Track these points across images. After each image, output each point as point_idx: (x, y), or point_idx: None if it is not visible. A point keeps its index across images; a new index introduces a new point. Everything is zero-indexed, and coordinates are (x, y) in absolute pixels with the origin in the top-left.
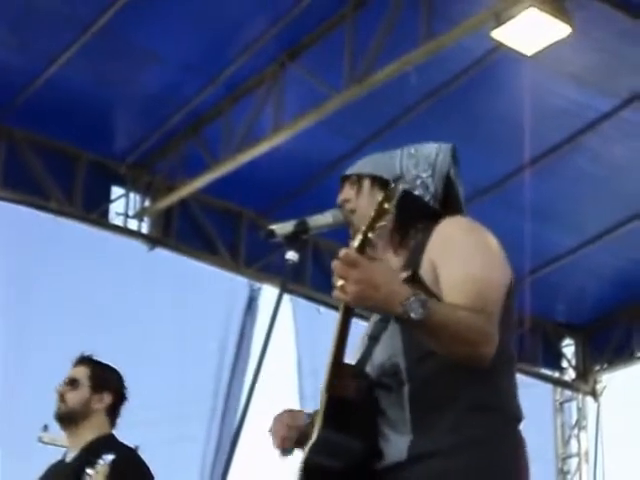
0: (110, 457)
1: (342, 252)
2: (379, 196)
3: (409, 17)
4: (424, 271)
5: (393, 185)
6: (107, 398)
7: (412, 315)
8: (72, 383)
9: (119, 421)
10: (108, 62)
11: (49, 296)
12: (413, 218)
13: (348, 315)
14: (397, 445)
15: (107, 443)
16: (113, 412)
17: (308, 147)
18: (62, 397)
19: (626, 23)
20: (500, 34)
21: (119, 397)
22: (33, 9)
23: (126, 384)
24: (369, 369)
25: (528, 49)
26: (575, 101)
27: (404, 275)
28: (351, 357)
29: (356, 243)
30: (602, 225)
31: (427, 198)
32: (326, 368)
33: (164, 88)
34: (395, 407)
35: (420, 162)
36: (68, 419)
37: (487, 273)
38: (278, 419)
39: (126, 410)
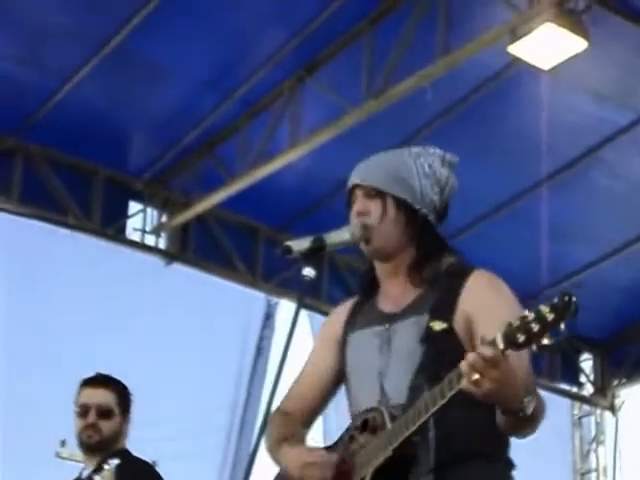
0: (115, 462)
1: (487, 351)
2: (546, 310)
3: (426, 32)
4: (457, 321)
5: (573, 304)
6: (129, 420)
7: (527, 412)
8: (104, 412)
9: (136, 436)
10: (124, 79)
11: (66, 311)
12: (432, 251)
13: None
14: None
15: (126, 459)
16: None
17: (325, 162)
18: (95, 427)
19: None
20: (517, 49)
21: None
22: (49, 27)
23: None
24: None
25: (545, 64)
26: (592, 115)
27: (440, 325)
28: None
29: (501, 345)
30: (620, 239)
31: (434, 221)
32: (390, 426)
33: (180, 104)
34: (421, 450)
35: (434, 184)
36: (100, 447)
37: None
38: (313, 466)
39: (143, 425)
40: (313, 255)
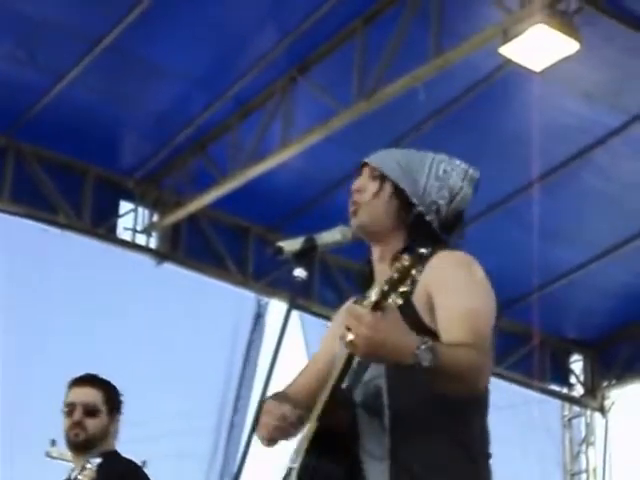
0: (97, 461)
1: (351, 307)
2: (404, 259)
3: (418, 33)
4: (417, 297)
5: (425, 252)
6: (118, 419)
7: (423, 363)
8: (90, 410)
9: (124, 436)
10: (116, 78)
11: (57, 310)
12: (420, 243)
13: (352, 357)
14: (375, 473)
15: (112, 458)
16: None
17: (317, 162)
18: (80, 425)
19: (635, 39)
20: (508, 50)
21: (121, 413)
22: (42, 25)
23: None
24: (358, 389)
25: (536, 65)
26: (584, 117)
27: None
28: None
29: (373, 297)
30: (611, 241)
31: (435, 224)
32: (320, 397)
33: (172, 103)
34: (374, 431)
35: (443, 189)
36: (87, 446)
37: (482, 307)
38: (268, 410)
39: (132, 425)
40: (304, 256)
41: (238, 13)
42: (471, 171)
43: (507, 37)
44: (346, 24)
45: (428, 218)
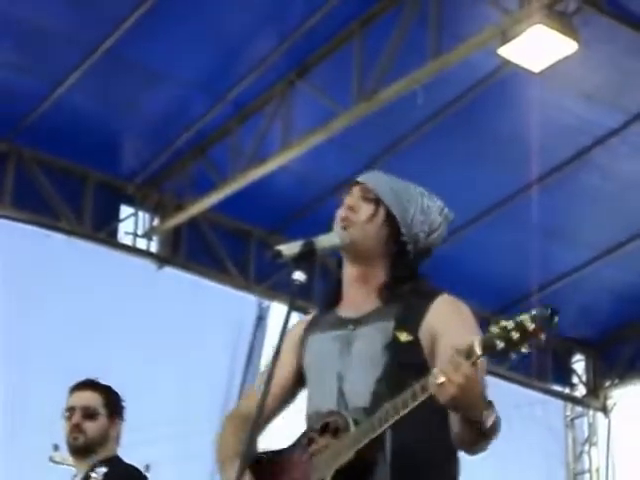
0: (103, 470)
1: (453, 355)
2: (527, 321)
3: (417, 34)
4: (422, 336)
5: (555, 319)
6: (119, 423)
7: (488, 424)
8: (90, 413)
9: (126, 440)
10: (115, 83)
11: (58, 315)
12: (402, 276)
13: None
14: None
15: (110, 462)
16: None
17: (317, 165)
18: (79, 428)
19: (634, 39)
20: (507, 51)
21: (123, 419)
22: (41, 32)
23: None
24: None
25: (535, 66)
26: (583, 117)
27: (406, 337)
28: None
29: (479, 351)
30: (611, 241)
31: (412, 255)
32: (366, 434)
33: (171, 107)
34: (377, 460)
35: (425, 223)
36: (87, 450)
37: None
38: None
39: (134, 428)
40: (303, 259)
41: (236, 17)
42: (446, 210)
43: (506, 38)
44: (344, 26)
45: (408, 248)
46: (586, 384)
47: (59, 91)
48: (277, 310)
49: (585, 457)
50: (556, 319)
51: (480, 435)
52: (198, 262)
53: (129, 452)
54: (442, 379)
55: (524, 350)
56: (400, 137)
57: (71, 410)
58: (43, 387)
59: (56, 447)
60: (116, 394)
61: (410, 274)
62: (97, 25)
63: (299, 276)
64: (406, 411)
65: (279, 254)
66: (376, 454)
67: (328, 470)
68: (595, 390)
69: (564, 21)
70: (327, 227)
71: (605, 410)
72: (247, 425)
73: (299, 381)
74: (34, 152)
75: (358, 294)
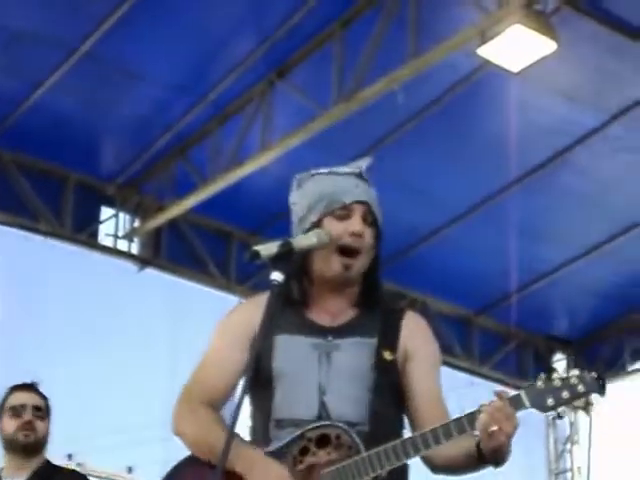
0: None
1: (503, 406)
2: (580, 386)
3: (396, 35)
4: (399, 355)
5: (604, 390)
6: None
7: (504, 461)
8: (40, 414)
9: (107, 443)
10: (95, 84)
11: (38, 317)
12: (377, 285)
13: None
14: None
15: (54, 468)
16: None
17: (297, 165)
18: (31, 425)
19: (612, 38)
20: (486, 51)
21: None
22: (19, 33)
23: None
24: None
25: (514, 66)
26: (563, 117)
27: (390, 356)
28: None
29: (528, 405)
30: (591, 240)
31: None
32: (362, 457)
33: (151, 109)
34: None
35: None
36: (36, 449)
37: None
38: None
39: (119, 430)
40: (281, 259)
41: (215, 18)
42: None
43: (485, 38)
44: (324, 27)
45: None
46: None
47: (38, 92)
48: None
49: (567, 456)
50: (604, 389)
51: (482, 469)
52: (179, 263)
53: (114, 455)
54: (494, 428)
55: (575, 405)
56: (380, 138)
57: (20, 407)
58: None
59: None
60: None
61: (381, 286)
62: (76, 26)
63: (277, 276)
64: (438, 446)
65: (257, 254)
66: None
67: None
68: None
69: (543, 21)
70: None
71: (586, 409)
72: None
73: (240, 377)
74: (13, 154)
75: (332, 302)
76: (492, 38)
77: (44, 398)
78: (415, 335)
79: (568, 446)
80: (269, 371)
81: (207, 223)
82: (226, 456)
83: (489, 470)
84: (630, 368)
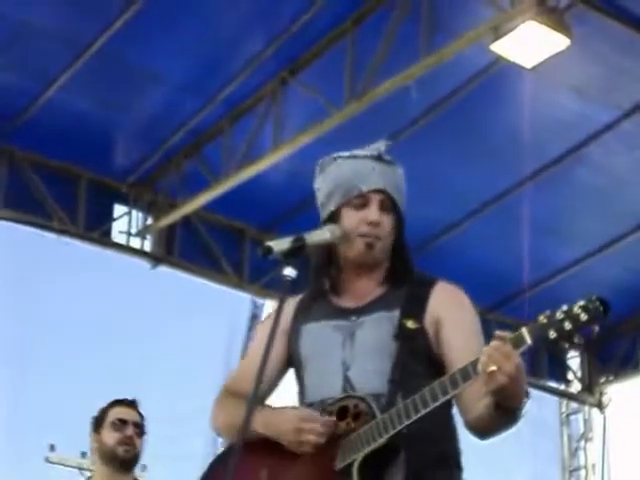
0: None
1: (501, 345)
2: (581, 312)
3: (409, 31)
4: (427, 323)
5: (606, 311)
6: None
7: (523, 411)
8: (139, 431)
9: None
10: (107, 83)
11: (52, 314)
12: (406, 265)
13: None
14: None
15: None
16: None
17: (310, 163)
18: (132, 440)
19: (625, 34)
20: (499, 47)
21: None
22: (32, 32)
23: None
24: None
25: (528, 61)
26: (576, 113)
27: (413, 324)
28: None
29: (529, 341)
30: (605, 237)
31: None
32: (379, 418)
33: (164, 107)
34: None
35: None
36: (132, 464)
37: None
38: (320, 421)
39: None
40: (294, 255)
41: (227, 17)
42: None
43: (498, 34)
44: (336, 24)
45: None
46: (581, 380)
47: (51, 91)
48: (271, 308)
49: (580, 453)
50: (607, 309)
51: (509, 421)
52: (192, 261)
53: None
54: (493, 368)
55: (576, 340)
56: (393, 134)
57: (122, 421)
58: (41, 387)
59: (52, 447)
60: None
61: (411, 264)
62: (89, 25)
63: (290, 272)
64: (451, 395)
65: (269, 250)
66: (399, 441)
67: (357, 453)
68: (590, 386)
69: (556, 17)
70: (320, 225)
71: (600, 406)
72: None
73: (285, 368)
74: (27, 152)
75: (360, 285)
76: (505, 34)
77: (142, 416)
78: (446, 303)
79: (582, 443)
80: (298, 359)
81: (220, 221)
82: (247, 426)
83: (502, 466)
84: None
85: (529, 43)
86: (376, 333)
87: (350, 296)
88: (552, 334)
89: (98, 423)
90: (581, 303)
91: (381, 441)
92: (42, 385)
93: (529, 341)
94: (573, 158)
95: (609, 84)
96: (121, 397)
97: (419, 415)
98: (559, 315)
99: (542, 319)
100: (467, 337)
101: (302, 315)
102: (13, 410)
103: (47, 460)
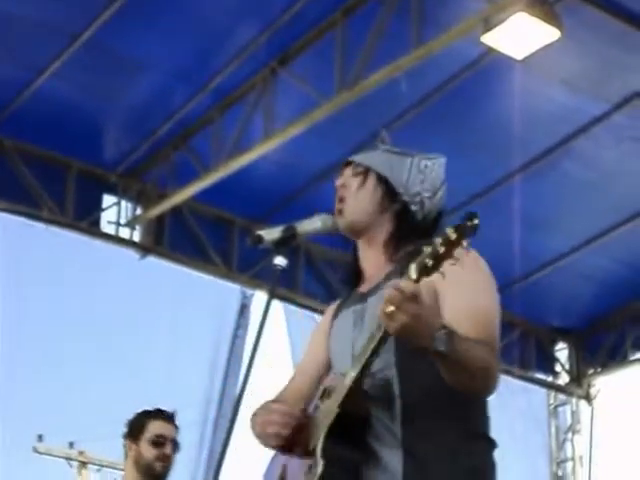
0: None
1: (402, 283)
2: (450, 231)
3: (399, 23)
4: (424, 291)
5: (474, 222)
6: None
7: (440, 348)
8: (175, 447)
9: (109, 432)
10: (97, 72)
11: (41, 305)
12: (406, 233)
13: (387, 337)
14: (392, 462)
15: None
16: None
17: (300, 154)
18: (170, 459)
19: (616, 27)
20: (490, 39)
21: None
22: (21, 20)
23: None
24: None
25: (518, 53)
26: (566, 105)
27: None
28: (331, 358)
29: (414, 275)
30: (593, 229)
31: (420, 217)
32: (344, 382)
33: (153, 97)
34: (384, 421)
35: (426, 181)
36: (166, 477)
37: (493, 307)
38: (273, 410)
39: (119, 419)
40: (284, 244)
41: (217, 6)
42: (442, 163)
43: (488, 25)
44: (326, 15)
45: (413, 208)
46: (569, 372)
47: (40, 80)
48: (260, 299)
49: (568, 445)
50: (475, 221)
51: (442, 362)
52: (181, 251)
53: (116, 444)
54: (391, 308)
55: (452, 262)
56: (383, 126)
57: (162, 437)
58: (29, 378)
59: (40, 437)
60: None
61: (415, 233)
62: (77, 14)
63: (280, 261)
64: (373, 344)
65: (260, 239)
66: (365, 404)
67: (322, 431)
68: (578, 378)
69: (546, 9)
70: (310, 215)
71: (588, 398)
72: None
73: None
74: (15, 142)
75: (372, 266)
76: (496, 26)
77: (177, 429)
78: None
79: (570, 435)
80: (329, 350)
81: (209, 211)
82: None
83: None
84: (632, 357)
85: (519, 35)
86: (375, 309)
87: (368, 280)
88: (429, 262)
89: (136, 432)
90: (455, 224)
91: (336, 410)
92: (30, 375)
93: (414, 276)
94: (562, 151)
95: (599, 77)
96: (161, 407)
97: (361, 369)
98: (438, 241)
99: (426, 249)
100: (464, 291)
101: (338, 311)
102: (1, 399)
103: (35, 450)
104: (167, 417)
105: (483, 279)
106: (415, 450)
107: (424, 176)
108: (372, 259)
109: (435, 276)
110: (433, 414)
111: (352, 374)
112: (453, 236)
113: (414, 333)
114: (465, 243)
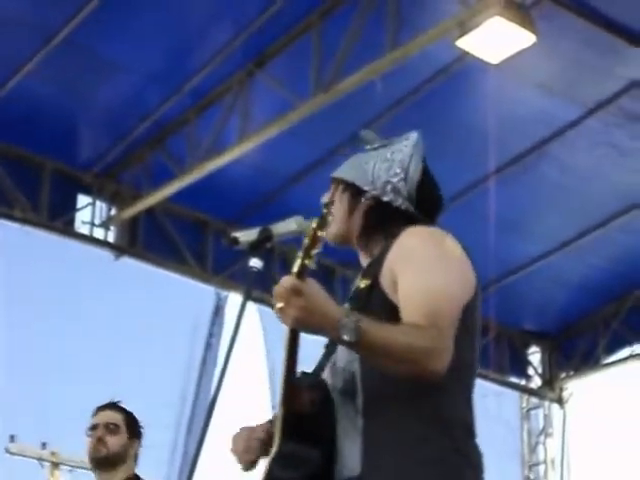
0: None
1: (284, 279)
2: (312, 224)
3: (375, 26)
4: (384, 280)
5: (325, 212)
6: (137, 445)
7: (345, 337)
8: (113, 428)
9: (82, 431)
10: (72, 72)
11: (14, 305)
12: (381, 224)
13: (295, 332)
14: (351, 456)
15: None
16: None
17: (275, 156)
18: (101, 441)
19: (591, 32)
20: (465, 43)
21: (141, 443)
22: None
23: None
24: (329, 374)
25: (493, 58)
26: (541, 110)
27: (364, 283)
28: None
29: (295, 269)
30: (567, 233)
31: (398, 202)
32: (280, 382)
33: (129, 97)
34: (350, 415)
35: (393, 167)
36: (108, 463)
37: (443, 286)
38: (236, 437)
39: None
40: (260, 246)
41: (194, 8)
42: (416, 141)
43: (464, 30)
44: (303, 17)
45: (386, 199)
46: (542, 376)
47: (15, 79)
48: (235, 300)
49: (540, 448)
50: (324, 210)
51: (356, 350)
52: (156, 252)
53: (84, 442)
54: (280, 304)
55: (315, 251)
56: (358, 128)
57: (93, 426)
58: (0, 379)
59: (12, 438)
60: (136, 418)
61: (394, 219)
62: (53, 14)
63: (255, 263)
64: (285, 352)
65: (235, 241)
66: (306, 400)
67: (276, 436)
68: (551, 381)
69: (522, 13)
70: (293, 214)
71: (560, 401)
72: None
73: None
74: None
75: (363, 263)
76: (471, 30)
77: (122, 412)
78: (401, 246)
79: (542, 438)
80: None
81: (184, 213)
82: None
83: None
84: (604, 361)
85: (495, 39)
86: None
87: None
88: (302, 255)
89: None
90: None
91: (281, 413)
92: (1, 375)
93: (295, 269)
94: (537, 155)
95: (574, 81)
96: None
97: (286, 369)
98: (306, 239)
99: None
100: (413, 271)
101: None
102: None
103: (7, 451)
104: (101, 407)
105: (434, 254)
106: (375, 443)
107: (390, 163)
108: (362, 259)
109: (392, 258)
110: (395, 405)
111: (282, 373)
112: (313, 226)
113: (309, 325)
114: (321, 233)
